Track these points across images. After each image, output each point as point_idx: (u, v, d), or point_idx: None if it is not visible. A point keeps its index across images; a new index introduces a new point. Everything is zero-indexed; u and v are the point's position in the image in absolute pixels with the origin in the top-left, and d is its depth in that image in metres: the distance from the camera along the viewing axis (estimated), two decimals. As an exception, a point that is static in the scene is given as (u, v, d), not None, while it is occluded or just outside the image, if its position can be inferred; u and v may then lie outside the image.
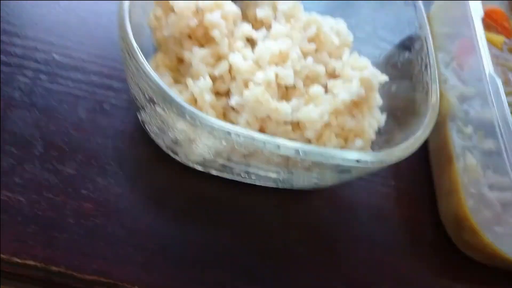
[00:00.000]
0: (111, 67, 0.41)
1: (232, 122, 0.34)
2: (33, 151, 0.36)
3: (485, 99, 0.40)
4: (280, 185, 0.38)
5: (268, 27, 0.37)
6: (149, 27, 0.36)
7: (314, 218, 0.41)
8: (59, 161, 0.36)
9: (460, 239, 0.42)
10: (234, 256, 0.37)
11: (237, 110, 0.35)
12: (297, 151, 0.29)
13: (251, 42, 0.37)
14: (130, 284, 0.33)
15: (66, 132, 0.38)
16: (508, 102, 0.41)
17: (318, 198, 0.42)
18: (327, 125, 0.34)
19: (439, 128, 0.46)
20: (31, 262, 0.32)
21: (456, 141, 0.44)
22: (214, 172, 0.37)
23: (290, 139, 0.31)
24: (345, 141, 0.35)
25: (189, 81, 0.34)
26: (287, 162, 0.33)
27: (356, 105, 0.35)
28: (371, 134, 0.36)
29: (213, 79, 0.35)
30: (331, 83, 0.36)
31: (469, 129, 0.43)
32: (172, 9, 0.34)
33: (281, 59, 0.35)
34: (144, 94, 0.30)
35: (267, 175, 0.36)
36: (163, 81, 0.29)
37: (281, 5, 0.38)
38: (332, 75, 0.37)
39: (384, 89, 0.38)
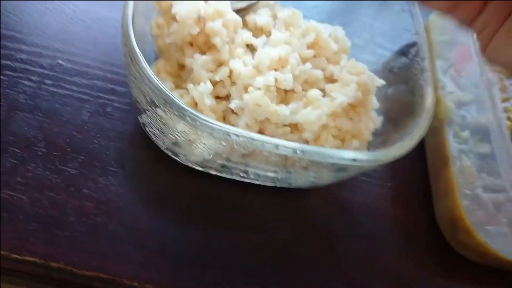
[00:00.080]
0: (115, 73, 0.43)
1: (232, 124, 0.35)
2: (36, 151, 0.37)
3: (482, 105, 0.41)
4: (279, 184, 0.39)
5: (268, 34, 0.38)
6: (151, 35, 0.37)
7: (312, 218, 0.41)
8: (61, 161, 0.37)
9: (455, 239, 0.42)
10: (233, 255, 0.37)
11: (237, 113, 0.36)
12: (294, 151, 0.30)
13: (251, 49, 0.38)
14: (129, 280, 0.34)
15: (69, 133, 0.38)
16: (503, 108, 0.42)
17: (316, 198, 0.42)
18: (324, 126, 0.35)
19: (437, 132, 0.47)
20: (31, 259, 0.33)
21: (452, 144, 0.45)
22: (213, 172, 0.38)
23: (289, 140, 0.32)
24: (342, 142, 0.36)
25: (190, 86, 0.35)
26: (285, 161, 0.33)
27: (353, 108, 0.36)
28: (368, 135, 0.37)
29: (214, 83, 0.35)
30: (329, 87, 0.37)
31: (465, 134, 0.44)
32: (174, 18, 0.35)
33: (280, 64, 0.36)
34: (145, 97, 0.31)
35: (265, 174, 0.36)
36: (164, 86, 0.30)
37: (281, 13, 0.39)
38: (330, 79, 0.38)
39: (381, 93, 0.39)
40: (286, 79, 0.35)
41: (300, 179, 0.37)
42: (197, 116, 0.29)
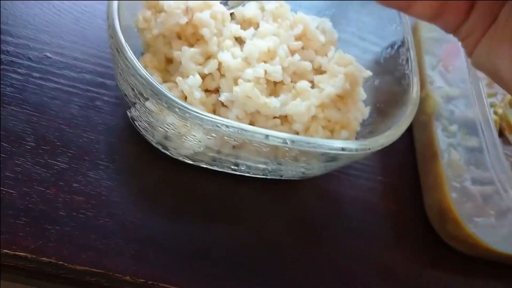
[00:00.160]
0: (104, 66, 0.42)
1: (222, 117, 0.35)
2: (25, 145, 0.36)
3: (469, 100, 0.41)
4: (270, 176, 0.39)
5: (256, 27, 0.38)
6: (137, 29, 0.37)
7: (302, 211, 0.42)
8: (50, 155, 0.37)
9: (444, 231, 0.43)
10: (224, 247, 0.37)
11: (227, 106, 0.36)
12: (284, 141, 0.31)
13: (240, 41, 0.38)
14: (121, 274, 0.34)
15: (58, 127, 0.38)
16: (490, 103, 0.43)
17: (307, 192, 0.43)
18: (314, 117, 0.36)
19: (425, 126, 0.48)
20: (22, 253, 0.33)
21: (441, 138, 0.46)
22: (204, 165, 0.38)
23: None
24: (332, 132, 0.37)
25: (179, 79, 0.35)
26: (275, 152, 0.33)
27: (341, 99, 0.37)
28: (356, 126, 0.37)
29: (203, 77, 0.35)
30: (317, 78, 0.37)
31: (453, 128, 0.45)
32: (161, 10, 0.35)
33: (269, 56, 0.36)
34: (133, 90, 0.31)
35: (256, 166, 0.37)
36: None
37: (269, 5, 0.39)
38: (319, 71, 0.38)
39: (368, 84, 0.40)
40: (276, 71, 0.35)
41: (291, 170, 0.37)
42: (186, 107, 0.29)
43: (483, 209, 0.40)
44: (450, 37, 0.48)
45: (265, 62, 0.36)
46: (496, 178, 0.37)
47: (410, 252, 0.43)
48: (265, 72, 0.35)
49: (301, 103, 0.35)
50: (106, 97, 0.41)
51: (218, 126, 0.30)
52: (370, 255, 0.42)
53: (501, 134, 0.43)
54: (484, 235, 0.41)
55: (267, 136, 0.30)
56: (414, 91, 0.36)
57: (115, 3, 0.32)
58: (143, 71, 0.29)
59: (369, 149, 0.33)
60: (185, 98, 0.35)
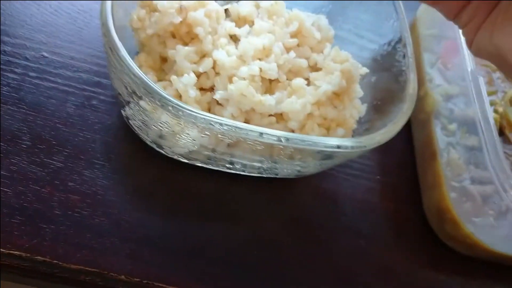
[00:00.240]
0: (101, 65, 0.42)
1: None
2: (20, 144, 0.36)
3: (469, 98, 0.41)
4: (265, 174, 0.39)
5: (251, 24, 0.38)
6: (131, 28, 0.37)
7: (301, 210, 0.42)
8: (46, 154, 0.37)
9: (442, 231, 0.43)
10: (220, 246, 0.37)
11: (222, 104, 0.35)
12: (279, 139, 0.30)
13: (235, 39, 0.38)
14: (116, 273, 0.34)
15: (54, 126, 0.38)
16: (490, 101, 0.42)
17: (306, 191, 0.42)
18: (309, 115, 0.35)
19: (424, 125, 0.47)
20: (16, 252, 0.32)
21: (440, 137, 0.45)
22: (199, 164, 0.38)
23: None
24: (328, 130, 0.36)
25: (174, 77, 0.35)
26: (270, 151, 0.33)
27: (337, 96, 0.36)
28: (352, 123, 0.37)
29: (197, 75, 0.35)
30: (313, 75, 0.37)
31: (453, 126, 0.45)
32: (155, 9, 0.35)
33: (264, 54, 0.36)
34: (127, 89, 0.31)
35: (251, 164, 0.36)
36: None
37: (264, 3, 0.39)
38: (314, 68, 0.38)
39: (364, 81, 0.40)
40: (271, 68, 0.35)
41: (286, 169, 0.37)
42: (180, 105, 0.29)
43: (482, 209, 0.40)
44: (449, 33, 0.48)
45: (260, 59, 0.36)
46: (496, 178, 0.37)
47: (408, 252, 0.43)
48: (260, 69, 0.35)
49: (296, 100, 0.35)
50: (103, 96, 0.41)
51: (211, 124, 0.30)
52: (368, 254, 0.41)
53: (501, 133, 0.43)
54: (483, 235, 0.40)
55: (261, 134, 0.30)
56: (411, 88, 0.36)
57: (109, 2, 0.32)
58: (136, 69, 0.29)
59: (365, 146, 0.32)
60: (180, 97, 0.34)
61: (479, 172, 0.40)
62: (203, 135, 0.32)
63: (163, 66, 0.37)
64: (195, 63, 0.36)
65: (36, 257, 0.33)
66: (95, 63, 0.42)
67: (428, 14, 0.54)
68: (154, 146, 0.37)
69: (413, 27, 0.55)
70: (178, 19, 0.35)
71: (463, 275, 0.43)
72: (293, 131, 0.35)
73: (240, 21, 0.38)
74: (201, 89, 0.36)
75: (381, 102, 0.39)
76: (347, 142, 0.32)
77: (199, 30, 0.35)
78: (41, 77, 0.40)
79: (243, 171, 0.38)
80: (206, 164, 0.38)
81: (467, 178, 0.41)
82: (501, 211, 0.39)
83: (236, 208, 0.39)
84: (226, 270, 0.37)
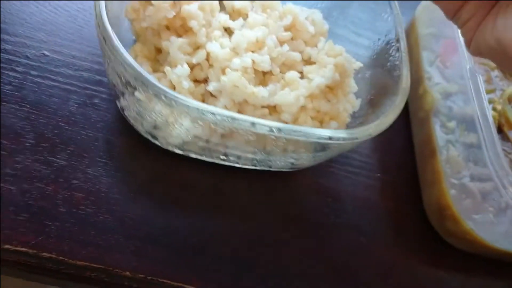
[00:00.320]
0: (102, 63, 0.42)
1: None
2: (24, 143, 0.37)
3: (467, 96, 0.41)
4: (259, 167, 0.39)
5: (245, 17, 0.38)
6: (128, 19, 0.37)
7: (301, 208, 0.42)
8: (50, 152, 0.37)
9: (443, 228, 0.43)
10: (220, 242, 0.38)
11: (215, 96, 0.36)
12: (271, 129, 0.31)
13: (229, 32, 0.38)
14: (121, 269, 0.34)
15: (56, 125, 0.38)
16: (488, 99, 0.43)
17: (305, 189, 0.42)
18: (303, 108, 0.36)
19: (424, 122, 0.48)
20: (22, 249, 0.33)
21: (439, 135, 0.46)
22: (193, 155, 0.38)
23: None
24: (321, 123, 0.37)
25: (167, 68, 0.35)
26: (263, 142, 0.33)
27: (331, 90, 0.37)
28: (346, 117, 0.37)
29: (191, 67, 0.36)
30: (306, 68, 0.37)
31: (452, 124, 0.45)
32: (149, 3, 0.36)
33: (257, 46, 0.36)
34: (121, 79, 0.31)
35: (245, 156, 0.37)
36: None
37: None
38: (308, 62, 0.38)
39: (359, 76, 0.40)
40: (264, 61, 0.35)
41: (280, 161, 0.37)
42: (173, 95, 0.30)
43: (482, 205, 0.40)
44: (448, 32, 0.48)
45: (253, 52, 0.36)
46: (495, 175, 0.37)
47: (408, 249, 0.43)
48: (253, 62, 0.35)
49: (289, 93, 0.35)
50: (104, 95, 0.41)
51: (204, 114, 0.30)
52: (368, 251, 0.41)
53: (499, 130, 0.43)
54: (483, 232, 0.40)
55: (253, 123, 0.30)
56: (404, 81, 0.36)
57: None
58: (129, 58, 0.30)
59: (357, 138, 0.32)
60: (174, 88, 0.35)
61: (479, 169, 0.40)
62: (196, 125, 0.32)
63: (158, 57, 0.38)
64: (189, 54, 0.36)
65: (42, 254, 0.33)
66: (96, 62, 0.42)
67: (426, 14, 0.55)
68: (149, 137, 0.37)
69: (412, 26, 0.55)
70: (171, 14, 0.35)
71: (464, 271, 0.43)
72: (286, 123, 0.35)
73: (235, 14, 0.39)
74: (195, 81, 0.36)
75: (375, 97, 0.39)
76: (339, 133, 0.32)
77: (193, 24, 0.35)
78: (42, 75, 0.40)
79: (237, 163, 0.38)
80: (201, 155, 0.38)
81: (467, 175, 0.41)
82: (501, 207, 0.39)
83: (238, 204, 0.40)
84: (229, 266, 0.37)
